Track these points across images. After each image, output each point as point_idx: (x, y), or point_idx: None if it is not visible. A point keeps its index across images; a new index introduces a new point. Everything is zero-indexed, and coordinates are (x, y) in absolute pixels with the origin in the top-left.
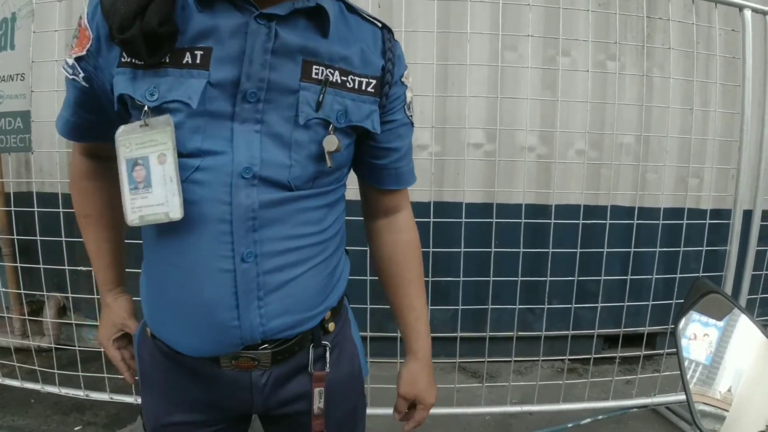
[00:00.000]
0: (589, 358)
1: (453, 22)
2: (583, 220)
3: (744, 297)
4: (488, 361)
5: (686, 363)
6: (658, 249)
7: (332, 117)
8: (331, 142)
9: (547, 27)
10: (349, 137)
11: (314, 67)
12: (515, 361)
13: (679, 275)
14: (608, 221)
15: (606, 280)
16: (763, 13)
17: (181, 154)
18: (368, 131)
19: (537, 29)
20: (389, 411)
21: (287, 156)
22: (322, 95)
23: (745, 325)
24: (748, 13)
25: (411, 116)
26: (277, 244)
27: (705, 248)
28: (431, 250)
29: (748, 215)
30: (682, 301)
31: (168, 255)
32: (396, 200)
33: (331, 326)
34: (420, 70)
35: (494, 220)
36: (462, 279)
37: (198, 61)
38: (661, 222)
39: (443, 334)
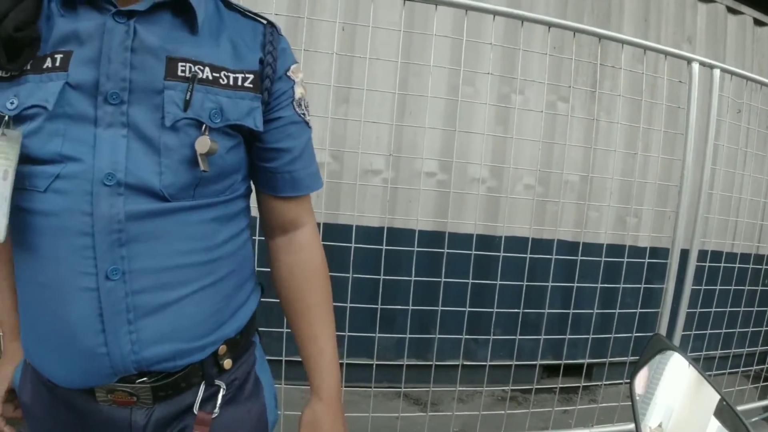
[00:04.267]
0: (530, 388)
1: (414, 53)
2: (528, 252)
3: (678, 333)
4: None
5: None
6: (599, 285)
7: (204, 116)
8: (202, 144)
9: (504, 66)
10: (232, 139)
11: (180, 64)
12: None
13: (618, 311)
14: (554, 257)
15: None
16: (710, 66)
17: (40, 161)
18: (253, 130)
19: (495, 67)
20: None
21: (156, 162)
22: (189, 93)
23: (680, 367)
24: (695, 66)
25: (303, 114)
26: (151, 261)
27: (643, 286)
28: (382, 277)
29: (683, 255)
30: (638, 357)
31: (33, 273)
32: (295, 211)
33: (227, 363)
34: (379, 98)
35: (446, 250)
36: (411, 308)
37: (57, 64)
38: (603, 259)
39: (388, 362)
